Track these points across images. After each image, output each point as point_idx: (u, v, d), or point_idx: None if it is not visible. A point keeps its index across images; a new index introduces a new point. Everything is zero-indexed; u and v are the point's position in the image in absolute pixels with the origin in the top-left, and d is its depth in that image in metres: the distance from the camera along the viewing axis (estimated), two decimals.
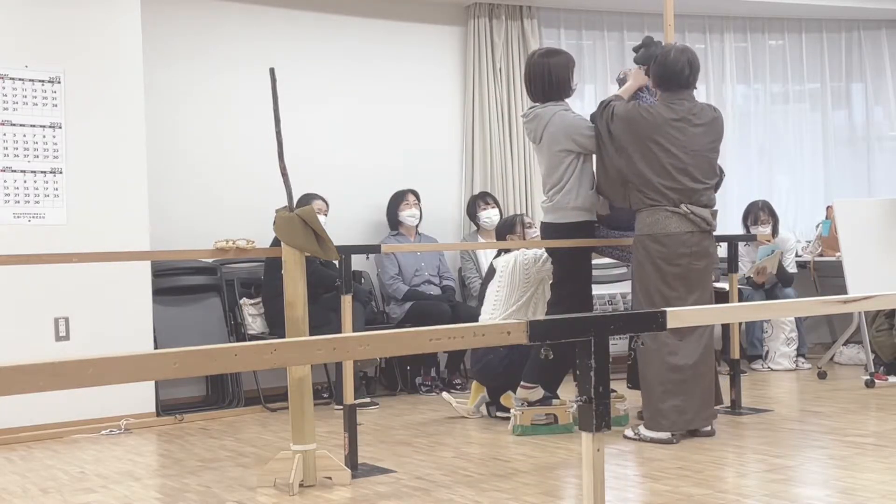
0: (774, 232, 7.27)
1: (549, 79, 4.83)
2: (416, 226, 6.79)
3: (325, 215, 6.21)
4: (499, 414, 5.34)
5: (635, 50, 5.00)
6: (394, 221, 6.77)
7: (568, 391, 5.07)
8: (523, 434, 4.84)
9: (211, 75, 6.51)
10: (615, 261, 5.36)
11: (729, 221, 7.49)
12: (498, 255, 5.68)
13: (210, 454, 4.70)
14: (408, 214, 6.71)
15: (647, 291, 4.60)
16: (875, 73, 8.54)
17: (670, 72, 4.64)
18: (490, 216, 6.78)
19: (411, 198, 6.76)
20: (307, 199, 6.07)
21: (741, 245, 6.88)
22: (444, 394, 5.80)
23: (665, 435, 4.51)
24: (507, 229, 5.71)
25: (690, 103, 4.68)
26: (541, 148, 4.92)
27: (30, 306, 5.34)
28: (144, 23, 5.79)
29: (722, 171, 5.11)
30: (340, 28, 6.97)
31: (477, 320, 5.43)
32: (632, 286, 4.81)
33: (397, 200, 6.76)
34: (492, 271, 5.54)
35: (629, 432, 4.64)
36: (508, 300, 5.25)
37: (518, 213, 6.67)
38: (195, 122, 6.44)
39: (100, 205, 5.55)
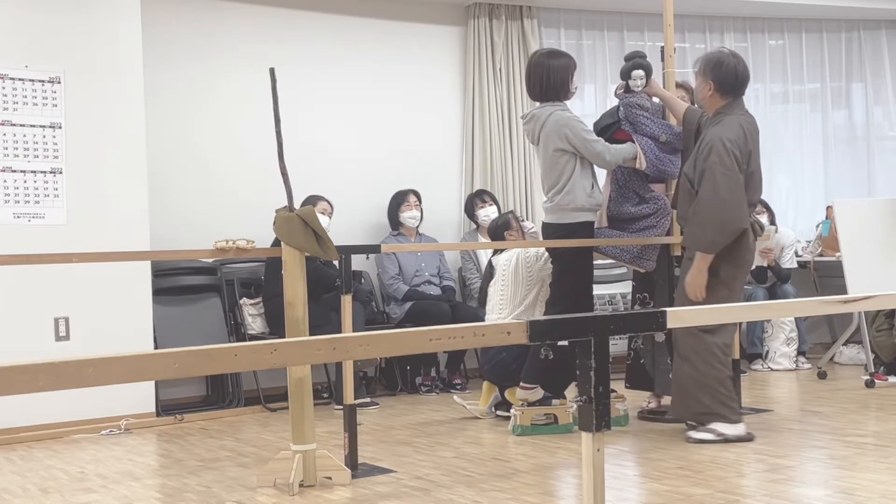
0: (771, 223, 7.27)
1: (548, 79, 4.83)
2: (417, 226, 6.79)
3: (330, 217, 6.21)
4: (500, 413, 5.35)
5: (628, 59, 5.03)
6: (395, 221, 6.77)
7: (567, 391, 5.08)
8: (523, 434, 4.84)
9: (211, 75, 6.51)
10: (614, 260, 5.35)
11: None
12: (495, 253, 5.66)
13: (210, 454, 4.70)
14: (408, 216, 6.71)
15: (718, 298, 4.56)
16: (875, 73, 8.54)
17: (739, 76, 4.59)
18: (488, 214, 6.77)
19: (412, 198, 6.75)
20: (312, 200, 6.08)
21: None
22: (456, 396, 5.78)
23: (744, 431, 4.48)
24: (503, 227, 5.65)
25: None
26: (538, 149, 4.94)
27: (30, 306, 5.34)
28: (144, 23, 5.79)
29: None
30: (340, 28, 6.98)
31: (477, 320, 5.43)
32: (680, 289, 4.72)
33: (398, 201, 6.75)
34: (490, 270, 5.53)
35: (701, 434, 4.49)
36: (514, 299, 5.24)
37: (509, 210, 6.64)
38: (195, 121, 6.44)
39: (100, 205, 5.55)
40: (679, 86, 5.31)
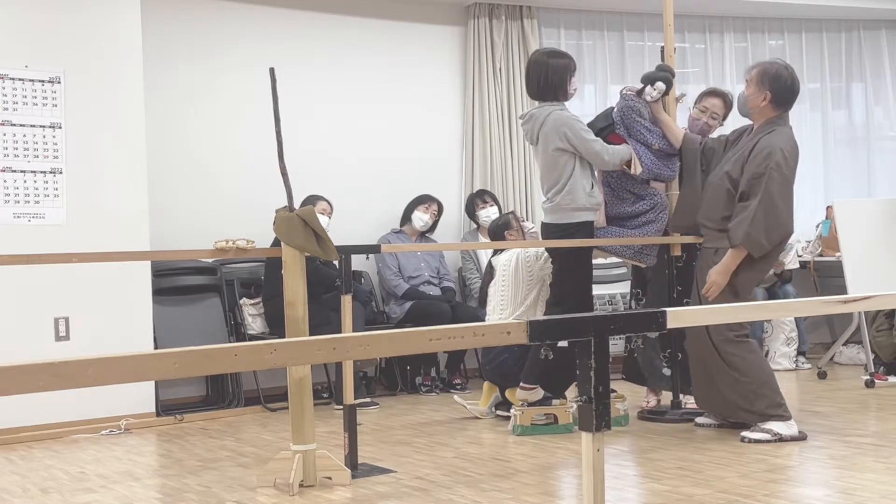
0: None
1: (546, 78, 4.84)
2: (424, 232, 6.80)
3: (329, 217, 6.21)
4: (500, 413, 5.35)
5: (660, 69, 5.03)
6: (405, 217, 6.78)
7: (567, 391, 5.08)
8: (523, 434, 4.84)
9: (211, 75, 6.51)
10: (616, 257, 5.35)
11: None
12: (494, 254, 5.66)
13: (210, 454, 4.70)
14: (419, 216, 6.71)
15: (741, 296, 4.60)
16: (875, 73, 8.54)
17: (795, 90, 4.65)
18: (489, 214, 6.76)
19: (434, 206, 6.76)
20: (312, 200, 6.08)
21: None
22: (456, 396, 5.77)
23: (797, 429, 4.50)
24: (503, 227, 5.63)
25: None
26: (537, 149, 4.94)
27: (30, 306, 5.34)
28: (144, 23, 5.79)
29: None
30: (340, 28, 6.98)
31: (477, 320, 5.42)
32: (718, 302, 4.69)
33: (419, 200, 6.76)
34: (490, 271, 5.53)
35: (757, 435, 4.48)
36: (515, 300, 5.24)
37: (509, 210, 6.64)
38: (195, 121, 6.44)
39: (100, 205, 5.55)
40: (715, 94, 5.33)
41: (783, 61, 4.77)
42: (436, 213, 6.79)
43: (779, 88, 4.59)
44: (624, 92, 5.10)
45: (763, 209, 4.47)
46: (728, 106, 5.37)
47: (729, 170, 4.65)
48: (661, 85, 4.96)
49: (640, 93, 5.01)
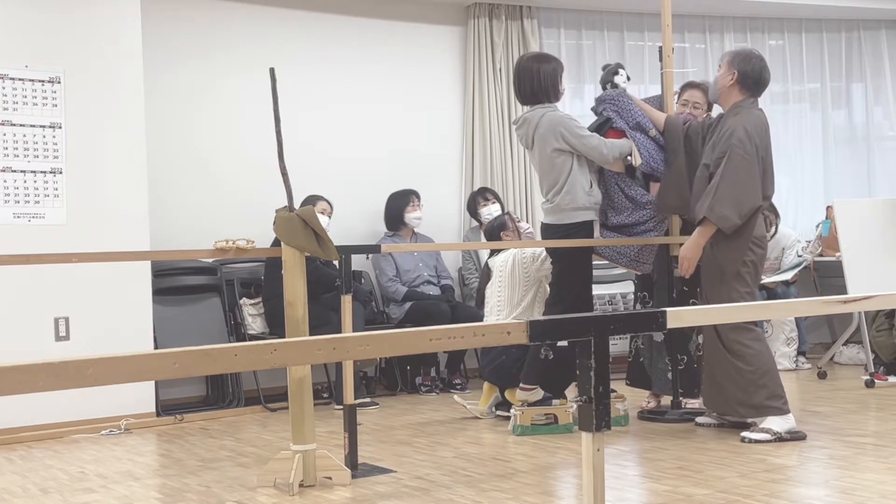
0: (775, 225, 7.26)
1: (537, 81, 4.85)
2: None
3: (329, 216, 6.21)
4: (500, 413, 5.35)
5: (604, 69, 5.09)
6: (395, 221, 6.74)
7: (567, 391, 5.08)
8: (523, 434, 4.84)
9: (211, 75, 6.52)
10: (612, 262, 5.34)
11: None
12: (491, 255, 5.66)
13: (210, 454, 4.70)
14: (413, 217, 6.70)
15: (738, 293, 4.56)
16: (875, 73, 8.54)
17: (764, 77, 4.70)
18: (491, 212, 6.74)
19: (416, 200, 6.75)
20: (312, 200, 6.08)
21: None
22: (456, 396, 5.78)
23: (794, 423, 4.49)
24: (499, 228, 5.62)
25: None
26: (533, 152, 4.93)
27: (30, 306, 5.34)
28: (145, 23, 5.79)
29: None
30: (341, 28, 6.98)
31: (477, 320, 5.43)
32: (708, 287, 4.68)
33: (402, 202, 6.72)
34: (487, 272, 5.53)
35: (757, 435, 4.45)
36: (512, 300, 5.24)
37: (505, 211, 6.63)
38: (195, 121, 6.44)
39: (100, 205, 5.55)
40: (693, 86, 5.35)
41: (757, 51, 4.87)
42: (419, 203, 6.76)
43: (747, 70, 4.67)
44: (604, 93, 5.09)
45: (725, 183, 4.53)
46: (707, 98, 5.40)
47: (706, 161, 4.72)
48: (622, 70, 5.08)
49: (614, 87, 5.06)
